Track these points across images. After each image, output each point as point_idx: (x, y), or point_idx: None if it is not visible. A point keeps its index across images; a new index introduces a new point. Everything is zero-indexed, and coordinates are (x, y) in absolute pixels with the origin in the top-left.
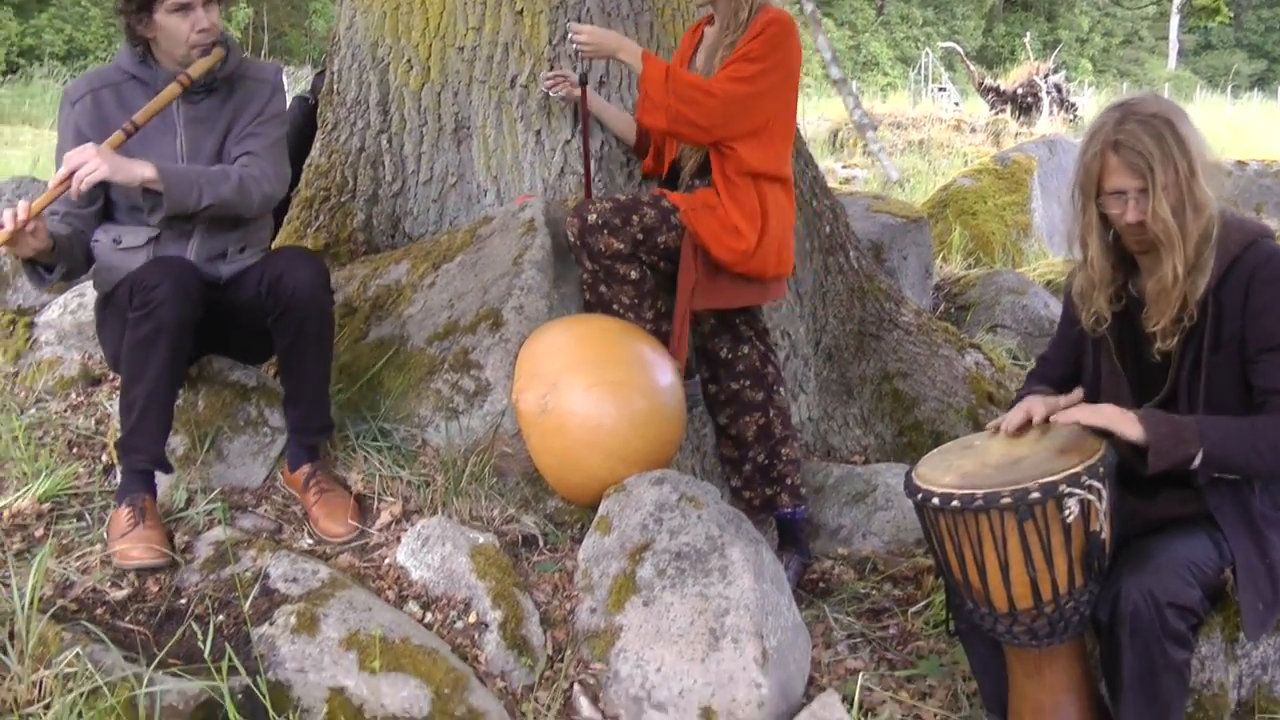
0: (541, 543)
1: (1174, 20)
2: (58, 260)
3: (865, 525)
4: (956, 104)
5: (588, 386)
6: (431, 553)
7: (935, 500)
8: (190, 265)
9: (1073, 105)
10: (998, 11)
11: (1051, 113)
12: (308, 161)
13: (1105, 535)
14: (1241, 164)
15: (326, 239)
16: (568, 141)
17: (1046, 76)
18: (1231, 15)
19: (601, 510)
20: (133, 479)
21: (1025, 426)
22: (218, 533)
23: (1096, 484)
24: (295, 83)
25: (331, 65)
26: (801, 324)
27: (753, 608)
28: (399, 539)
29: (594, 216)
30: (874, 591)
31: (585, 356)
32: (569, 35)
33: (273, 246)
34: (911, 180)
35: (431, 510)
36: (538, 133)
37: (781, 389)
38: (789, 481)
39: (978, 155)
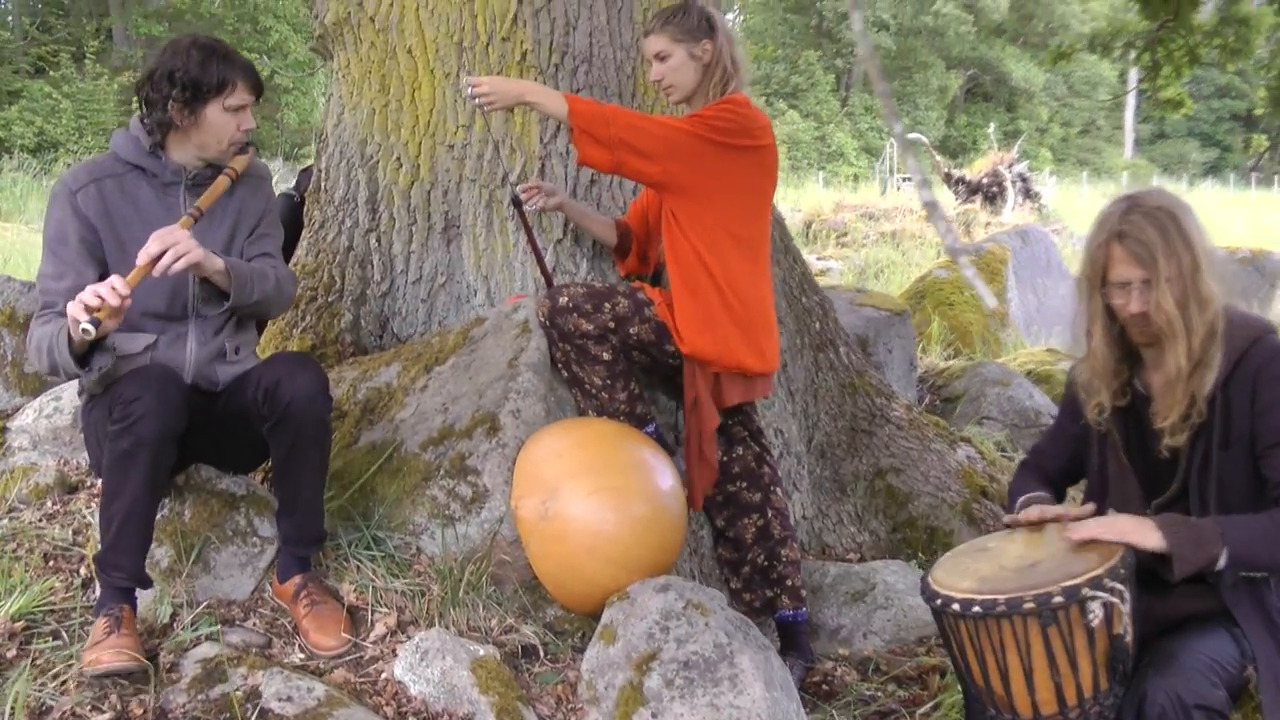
0: (542, 653)
1: (1129, 110)
2: (106, 352)
3: (865, 625)
4: (923, 194)
5: (589, 493)
6: (431, 667)
7: (955, 606)
8: (174, 375)
9: (1037, 194)
10: (959, 102)
11: (1017, 202)
12: (294, 261)
13: (1129, 638)
14: None
15: (313, 340)
16: (559, 241)
17: (1011, 166)
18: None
19: (605, 619)
20: (112, 594)
21: (1039, 524)
22: (205, 649)
23: (1119, 586)
24: None
25: (319, 163)
26: (794, 421)
27: (765, 717)
28: (395, 652)
29: (565, 300)
30: (879, 693)
31: (585, 462)
32: (466, 88)
33: (258, 349)
34: (885, 271)
35: (427, 621)
36: (529, 231)
37: (778, 489)
38: (789, 583)
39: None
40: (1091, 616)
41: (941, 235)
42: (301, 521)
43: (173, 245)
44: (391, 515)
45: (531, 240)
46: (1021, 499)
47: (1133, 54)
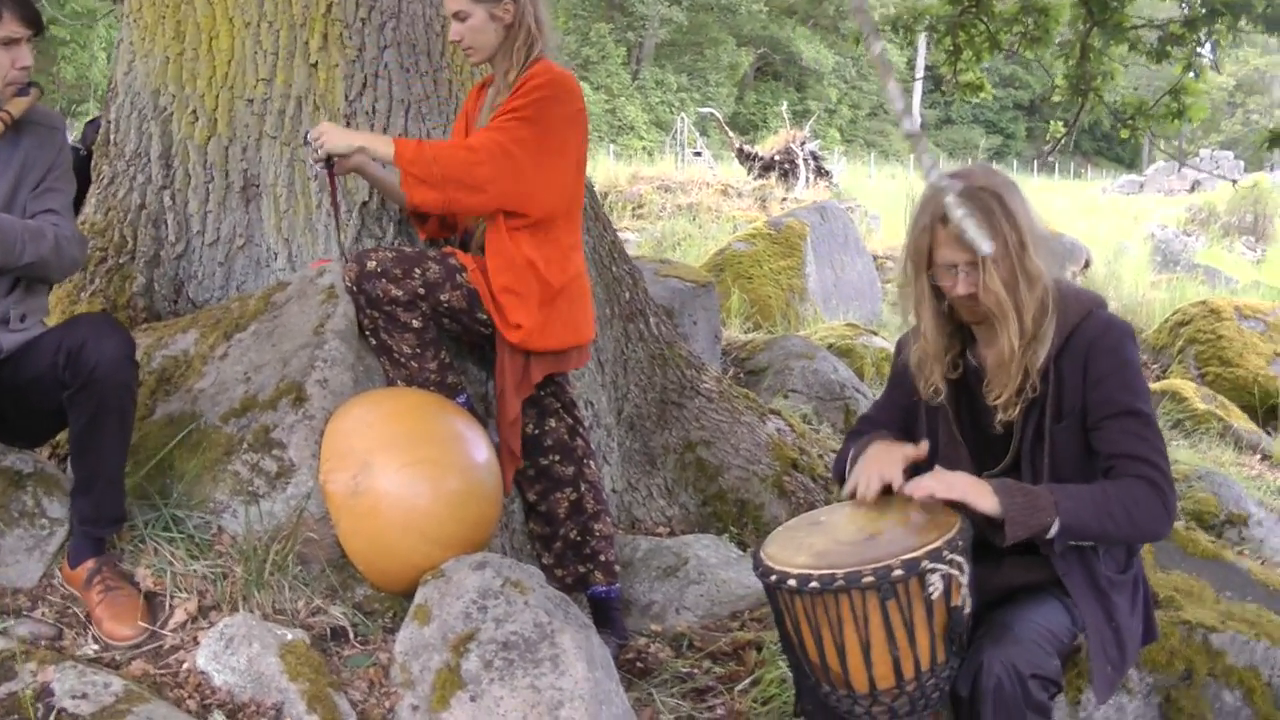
0: (352, 635)
1: (917, 95)
2: None
3: (678, 600)
4: (711, 168)
5: (402, 466)
6: (236, 654)
7: (791, 582)
8: None
9: (829, 173)
10: (749, 80)
11: (809, 179)
12: (81, 218)
13: (968, 609)
14: None
15: (103, 304)
16: (365, 204)
17: (803, 144)
18: (993, 95)
19: (419, 598)
20: None
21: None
22: None
23: (957, 557)
24: None
25: (108, 114)
26: (604, 393)
27: (587, 698)
28: (197, 640)
29: (373, 264)
30: (695, 670)
31: (398, 434)
32: (310, 142)
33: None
34: (682, 244)
35: (230, 606)
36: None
37: (592, 462)
38: (602, 558)
39: (746, 220)
40: (932, 589)
41: (925, 170)
42: (100, 499)
43: None
44: (191, 493)
45: (335, 203)
46: (858, 444)
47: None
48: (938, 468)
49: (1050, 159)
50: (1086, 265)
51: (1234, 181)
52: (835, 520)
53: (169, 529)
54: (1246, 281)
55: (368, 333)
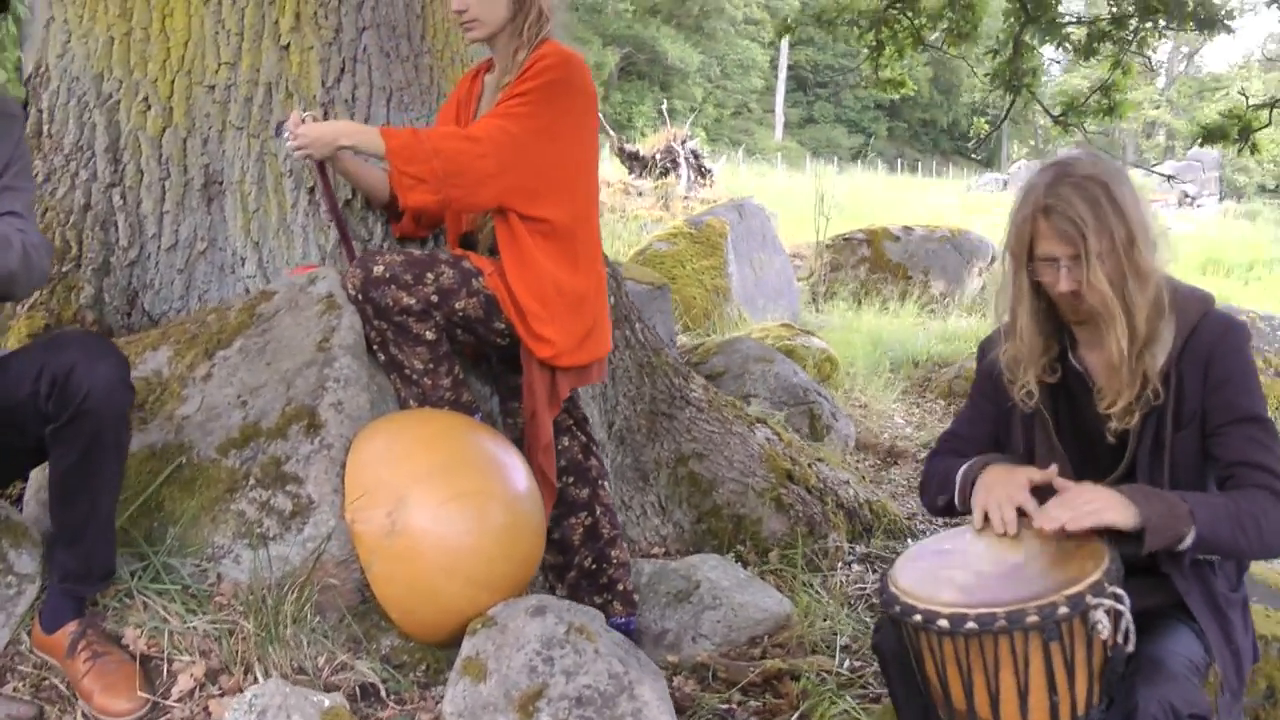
0: (383, 692)
1: (779, 94)
2: None
3: (694, 627)
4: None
5: (443, 501)
6: None
7: (942, 622)
8: None
9: (709, 171)
10: (614, 80)
11: (690, 178)
12: None
13: (1130, 647)
14: (908, 229)
15: (46, 318)
16: (349, 201)
17: (684, 143)
18: (915, 88)
19: (468, 650)
20: None
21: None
22: None
23: (1118, 589)
24: None
25: (39, 101)
26: (593, 405)
27: None
28: (208, 711)
29: (380, 269)
30: (734, 707)
31: (434, 463)
32: (280, 135)
33: None
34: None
35: (242, 666)
36: (311, 190)
37: (606, 483)
38: (620, 587)
39: (652, 219)
40: (1101, 627)
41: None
42: (91, 551)
43: None
44: (186, 537)
45: (331, 201)
46: (968, 464)
47: (856, 32)
48: (1071, 487)
49: (915, 159)
50: (992, 261)
51: (1169, 178)
52: (965, 548)
53: (159, 579)
54: None
55: (375, 347)
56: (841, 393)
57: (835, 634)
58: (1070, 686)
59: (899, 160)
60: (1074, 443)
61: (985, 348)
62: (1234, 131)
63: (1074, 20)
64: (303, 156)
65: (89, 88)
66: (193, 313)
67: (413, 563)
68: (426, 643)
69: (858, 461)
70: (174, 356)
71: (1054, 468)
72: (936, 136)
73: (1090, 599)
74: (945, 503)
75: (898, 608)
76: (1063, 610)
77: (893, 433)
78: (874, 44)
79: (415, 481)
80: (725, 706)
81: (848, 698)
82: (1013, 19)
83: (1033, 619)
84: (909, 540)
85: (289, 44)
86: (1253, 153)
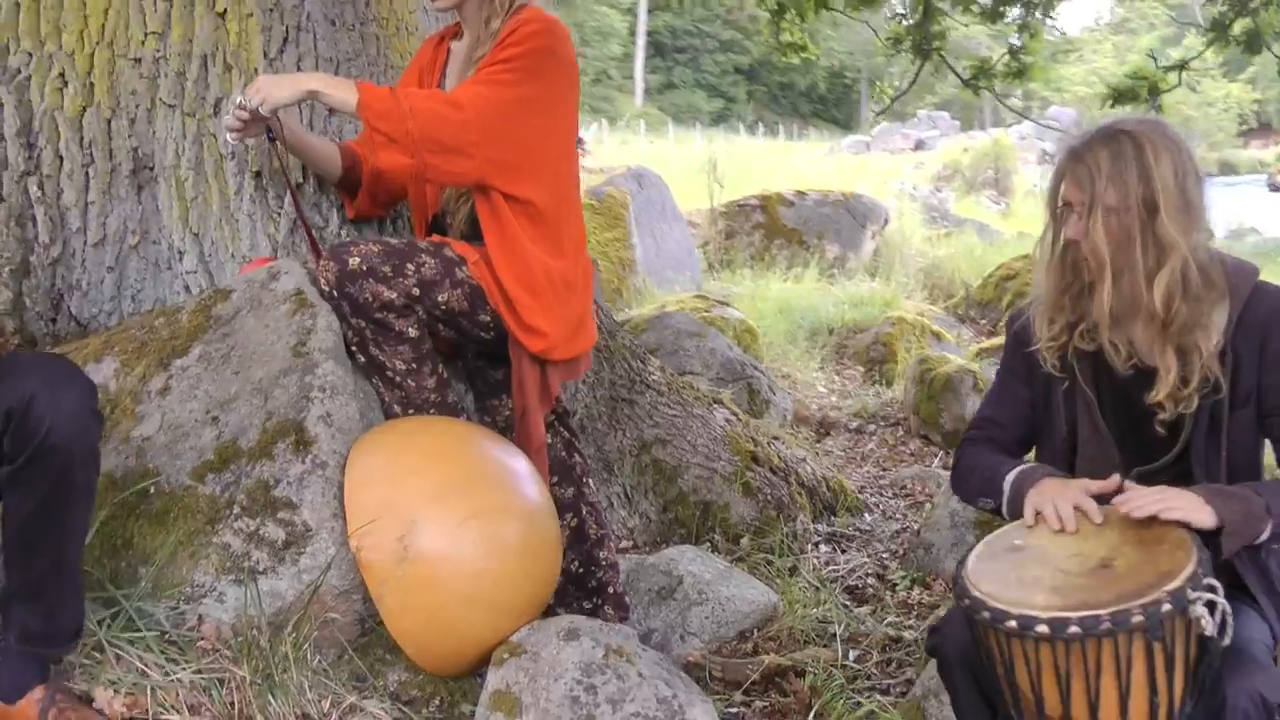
0: None
1: (639, 60)
2: None
3: (681, 626)
4: None
5: (459, 522)
6: None
7: (1041, 628)
8: None
9: (581, 140)
10: None
11: None
12: None
13: (1227, 641)
14: (801, 194)
15: None
16: (299, 185)
17: None
18: (819, 54)
19: (495, 683)
20: None
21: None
22: None
23: (1214, 581)
24: None
25: None
26: None
27: None
28: None
29: (356, 260)
30: (743, 709)
31: (446, 480)
32: (243, 106)
33: None
34: None
35: (242, 719)
36: (257, 175)
37: (591, 480)
38: (611, 590)
39: None
40: (1204, 622)
41: None
42: (56, 606)
43: None
44: (161, 577)
45: (291, 189)
46: (1017, 471)
47: None
48: (1141, 488)
49: (775, 123)
50: (885, 224)
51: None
52: (1039, 545)
53: (132, 627)
54: (1009, 233)
55: (353, 347)
56: (765, 364)
57: (825, 622)
58: (1169, 685)
59: (758, 124)
60: (1119, 423)
61: (1013, 317)
62: (1144, 92)
63: None
64: (268, 111)
65: None
66: (133, 316)
67: (430, 592)
68: (442, 675)
69: (794, 436)
70: (121, 368)
71: (1116, 477)
72: (796, 100)
73: (1190, 593)
74: (991, 508)
75: (986, 613)
76: (1166, 607)
77: (819, 402)
78: (775, 8)
79: (427, 502)
80: (733, 711)
81: (873, 695)
82: None
83: (1138, 619)
84: (866, 515)
85: (225, 10)
86: (1158, 113)
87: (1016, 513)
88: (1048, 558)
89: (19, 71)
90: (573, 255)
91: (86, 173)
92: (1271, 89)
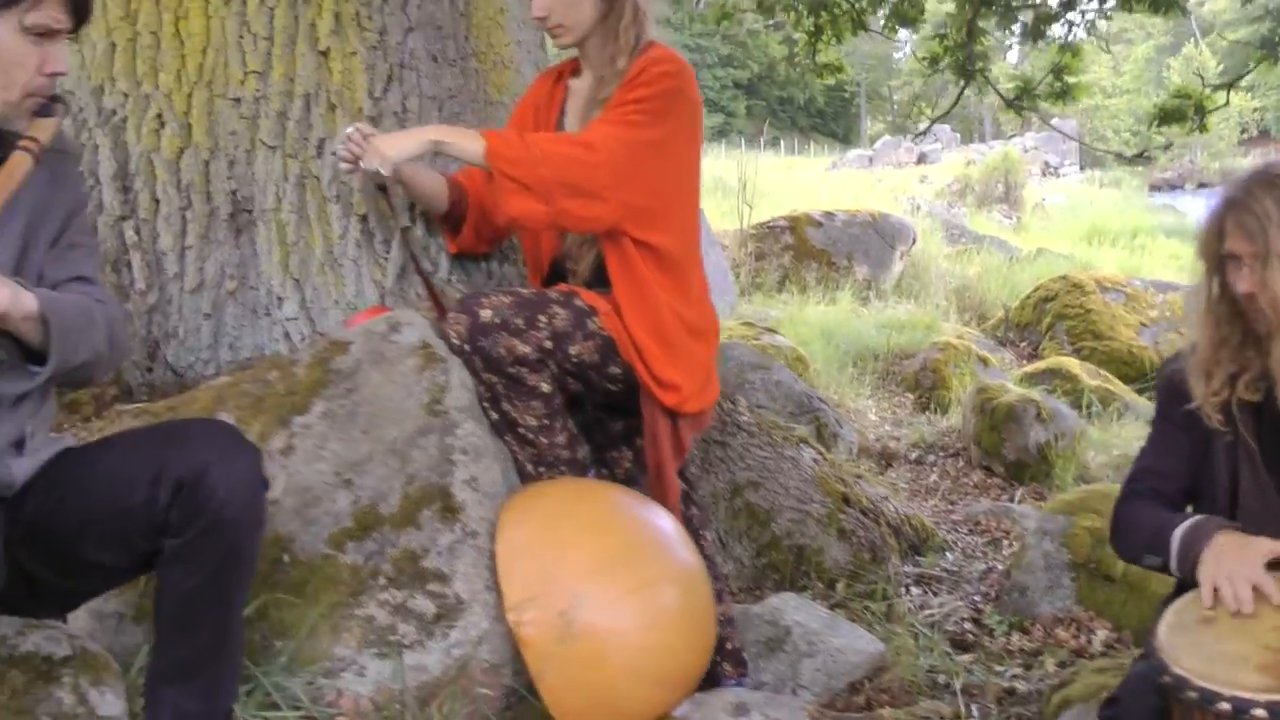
0: None
1: None
2: None
3: (793, 678)
4: None
5: (624, 594)
6: None
7: (1259, 711)
8: None
9: None
10: None
11: None
12: None
13: None
14: (829, 214)
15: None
16: (406, 229)
17: None
18: (851, 74)
19: None
20: None
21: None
22: None
23: None
24: None
25: None
26: None
27: None
28: None
29: (489, 313)
30: None
31: (607, 551)
32: (340, 154)
33: None
34: None
35: None
36: (363, 218)
37: (708, 533)
38: (729, 646)
39: None
40: None
41: None
42: (214, 686)
43: None
44: (301, 650)
45: (401, 232)
46: (1187, 526)
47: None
48: None
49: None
50: (914, 244)
51: (1141, 155)
52: (1240, 621)
53: (269, 703)
54: (1027, 250)
55: (485, 404)
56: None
57: (934, 672)
58: None
59: (759, 139)
60: None
61: (1166, 362)
62: (1190, 111)
63: (1025, 4)
64: (389, 171)
65: (87, 102)
66: (230, 365)
67: (595, 669)
68: None
69: (867, 471)
70: (237, 425)
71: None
72: (794, 114)
73: None
74: (1158, 565)
75: (1193, 693)
76: None
77: (875, 432)
78: (813, 29)
79: (589, 575)
80: None
81: None
82: (966, 4)
83: None
84: (948, 554)
85: (328, 49)
86: (1202, 132)
87: (1186, 570)
88: (1248, 632)
89: (114, 113)
90: (700, 302)
91: (184, 216)
92: (1270, 97)
